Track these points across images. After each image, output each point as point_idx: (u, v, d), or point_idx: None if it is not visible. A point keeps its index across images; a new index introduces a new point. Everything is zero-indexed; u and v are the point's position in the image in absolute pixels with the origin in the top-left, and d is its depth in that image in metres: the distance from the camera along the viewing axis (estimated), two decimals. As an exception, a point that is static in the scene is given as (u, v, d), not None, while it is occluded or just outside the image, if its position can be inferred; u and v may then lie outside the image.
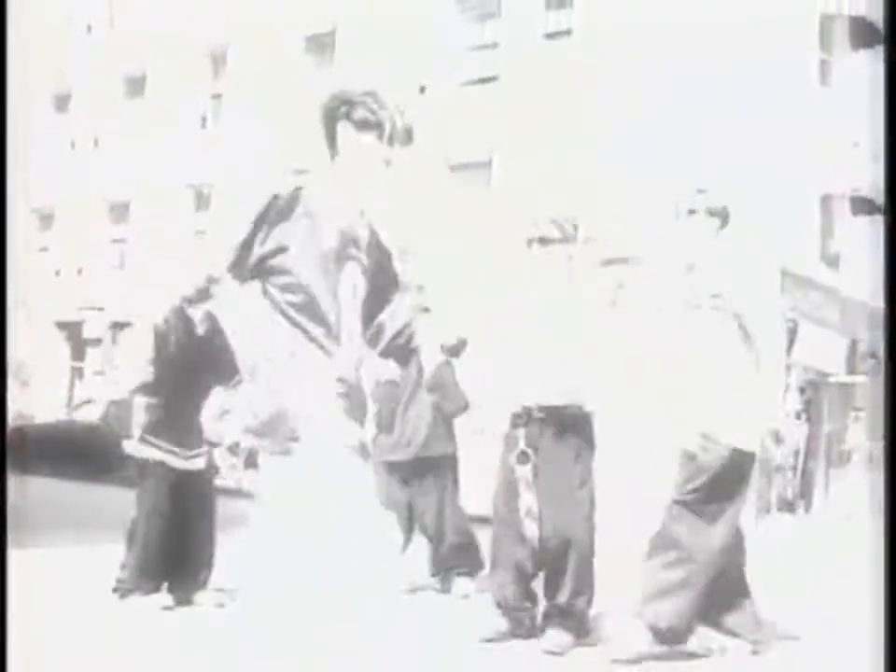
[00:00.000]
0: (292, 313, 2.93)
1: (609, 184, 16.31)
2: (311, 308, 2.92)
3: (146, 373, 5.40)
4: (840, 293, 17.50)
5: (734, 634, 4.63)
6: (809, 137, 17.26)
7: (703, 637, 4.63)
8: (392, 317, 3.20)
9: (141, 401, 5.43)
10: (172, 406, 5.40)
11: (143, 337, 5.49)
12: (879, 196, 19.16)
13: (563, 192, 16.75)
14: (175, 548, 5.40)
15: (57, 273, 25.41)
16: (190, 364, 5.43)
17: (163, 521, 5.33)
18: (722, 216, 4.77)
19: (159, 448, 5.37)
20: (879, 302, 17.92)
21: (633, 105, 16.71)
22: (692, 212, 4.76)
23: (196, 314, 5.57)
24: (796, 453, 16.93)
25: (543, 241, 4.86)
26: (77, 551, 6.50)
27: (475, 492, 6.24)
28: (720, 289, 4.60)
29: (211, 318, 5.63)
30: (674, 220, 4.89)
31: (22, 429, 14.57)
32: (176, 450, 5.40)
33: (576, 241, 5.02)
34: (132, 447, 5.43)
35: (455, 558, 6.08)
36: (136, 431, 5.43)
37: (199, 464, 5.49)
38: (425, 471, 6.12)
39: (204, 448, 5.53)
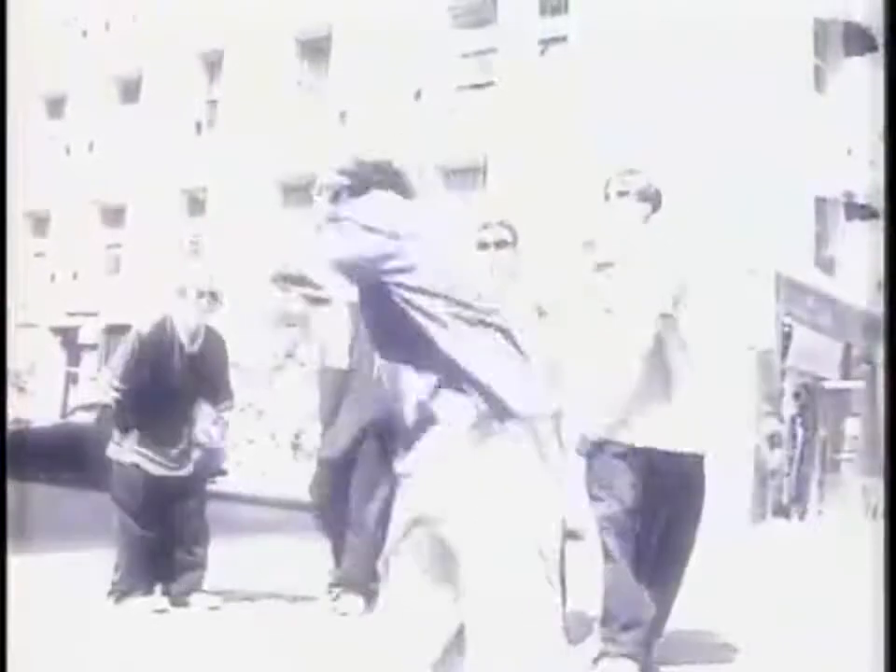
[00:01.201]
0: None
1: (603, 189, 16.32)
2: None
3: (122, 386, 5.34)
4: (835, 298, 17.56)
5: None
6: (804, 143, 17.32)
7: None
8: None
9: (123, 410, 5.40)
10: (157, 414, 5.33)
11: (126, 347, 5.42)
12: (874, 202, 19.31)
13: (559, 196, 16.80)
14: (164, 551, 5.39)
15: (52, 279, 25.40)
16: (175, 380, 5.37)
17: (147, 524, 5.29)
18: (654, 200, 4.55)
19: (141, 454, 5.33)
20: (873, 307, 18.09)
21: (627, 110, 16.74)
22: (622, 194, 4.56)
23: (187, 327, 5.49)
24: (791, 458, 16.95)
25: (499, 244, 4.82)
26: (74, 555, 6.50)
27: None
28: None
29: (208, 333, 5.58)
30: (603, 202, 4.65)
31: (20, 435, 14.55)
32: (160, 458, 5.35)
33: (517, 245, 4.98)
34: (113, 451, 5.40)
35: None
36: (119, 437, 5.39)
37: (186, 471, 5.44)
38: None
39: (195, 454, 5.49)
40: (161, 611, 5.22)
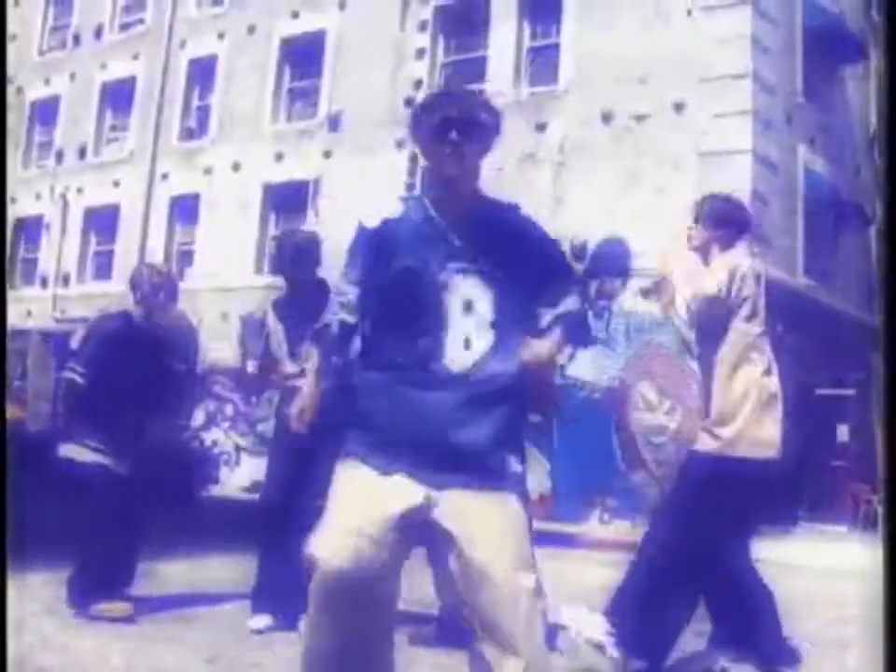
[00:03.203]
0: None
1: (597, 196, 16.36)
2: None
3: (85, 371, 5.25)
4: (825, 304, 17.57)
5: None
6: (793, 149, 17.38)
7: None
8: None
9: (84, 403, 5.26)
10: (122, 407, 5.16)
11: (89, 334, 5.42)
12: (864, 208, 19.35)
13: (552, 202, 16.80)
14: (134, 556, 5.27)
15: (44, 284, 25.32)
16: (133, 369, 5.18)
17: (111, 528, 5.11)
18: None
19: (94, 450, 5.16)
20: (864, 314, 18.03)
21: (622, 116, 16.79)
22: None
23: (148, 315, 5.37)
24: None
25: None
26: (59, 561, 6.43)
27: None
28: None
29: (177, 322, 5.54)
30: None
31: (11, 439, 14.51)
32: (123, 456, 5.16)
33: None
34: (66, 450, 5.25)
35: None
36: (74, 434, 5.24)
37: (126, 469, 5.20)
38: None
39: (181, 457, 5.35)
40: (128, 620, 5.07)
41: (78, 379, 5.25)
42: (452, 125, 2.76)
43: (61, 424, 5.41)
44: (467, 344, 2.67)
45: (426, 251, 2.72)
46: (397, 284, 2.70)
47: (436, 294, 2.69)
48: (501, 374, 2.69)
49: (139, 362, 5.21)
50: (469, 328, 2.68)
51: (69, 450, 5.27)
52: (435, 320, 2.68)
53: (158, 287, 5.40)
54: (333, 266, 5.32)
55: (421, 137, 2.85)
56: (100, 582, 5.10)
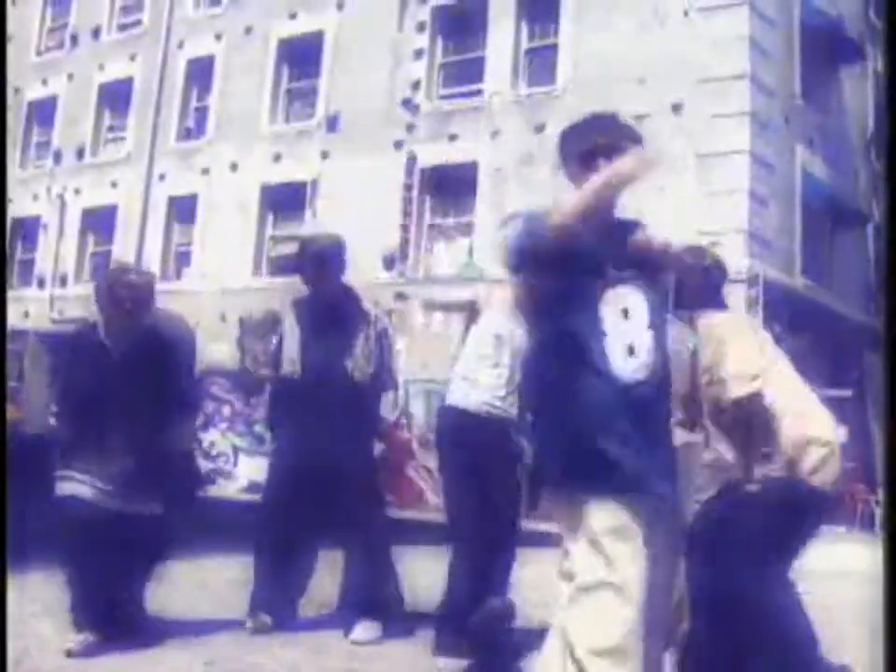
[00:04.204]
0: None
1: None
2: None
3: (58, 407, 4.85)
4: (822, 305, 17.58)
5: None
6: (791, 150, 17.38)
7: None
8: None
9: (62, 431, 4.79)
10: (100, 433, 4.60)
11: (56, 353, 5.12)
12: (861, 209, 19.33)
13: (551, 202, 16.75)
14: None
15: (41, 285, 25.31)
16: (107, 392, 4.61)
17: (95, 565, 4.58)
18: None
19: (83, 483, 4.59)
20: (862, 314, 17.98)
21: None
22: None
23: (122, 327, 4.74)
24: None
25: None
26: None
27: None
28: None
29: (164, 332, 4.87)
30: None
31: (8, 441, 14.47)
32: (106, 487, 4.59)
33: None
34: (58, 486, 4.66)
35: None
36: (62, 466, 4.63)
37: (149, 509, 4.69)
38: None
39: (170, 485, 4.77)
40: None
41: (53, 421, 4.89)
42: (600, 152, 2.91)
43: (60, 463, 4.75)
44: (630, 351, 2.80)
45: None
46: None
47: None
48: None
49: (116, 378, 4.66)
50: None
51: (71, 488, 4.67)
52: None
53: (122, 300, 4.70)
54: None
55: (569, 162, 2.99)
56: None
